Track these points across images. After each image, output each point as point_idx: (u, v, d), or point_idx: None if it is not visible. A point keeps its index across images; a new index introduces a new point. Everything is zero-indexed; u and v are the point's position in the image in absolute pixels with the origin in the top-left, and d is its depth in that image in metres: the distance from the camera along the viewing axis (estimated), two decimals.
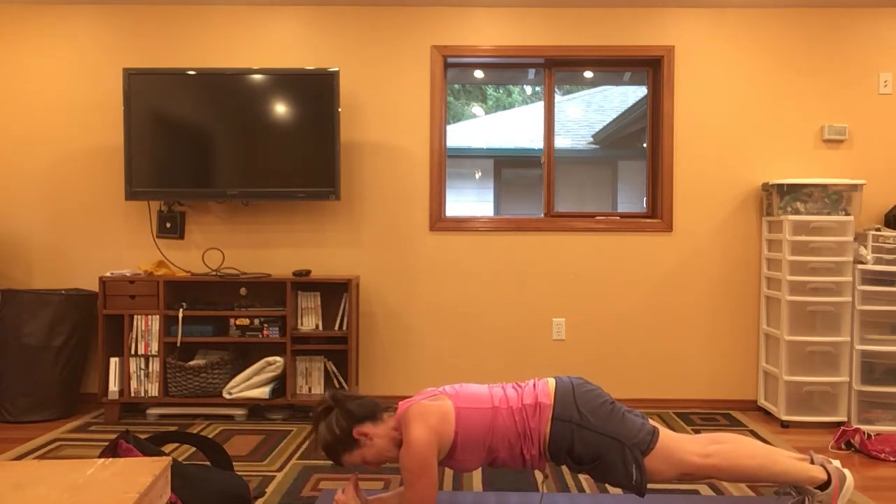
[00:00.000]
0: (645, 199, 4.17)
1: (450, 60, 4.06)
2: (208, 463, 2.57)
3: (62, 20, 3.99)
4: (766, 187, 3.84)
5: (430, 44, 3.98)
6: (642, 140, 4.47)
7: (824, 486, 2.15)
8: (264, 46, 3.98)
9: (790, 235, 3.61)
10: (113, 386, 3.66)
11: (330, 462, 2.70)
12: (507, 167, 6.63)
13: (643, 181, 4.19)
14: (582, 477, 2.86)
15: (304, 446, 3.24)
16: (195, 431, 3.41)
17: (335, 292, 3.88)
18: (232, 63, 3.98)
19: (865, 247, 3.58)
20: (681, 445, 2.16)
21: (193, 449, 3.13)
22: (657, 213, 4.06)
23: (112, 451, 2.22)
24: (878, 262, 3.55)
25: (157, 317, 3.67)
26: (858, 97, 3.95)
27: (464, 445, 2.16)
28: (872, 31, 3.94)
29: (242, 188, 3.77)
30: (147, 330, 3.67)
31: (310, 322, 3.78)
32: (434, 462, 2.10)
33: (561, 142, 6.10)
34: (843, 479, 2.16)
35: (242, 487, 2.45)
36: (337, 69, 3.74)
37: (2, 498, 1.15)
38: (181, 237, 4.00)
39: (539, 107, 4.20)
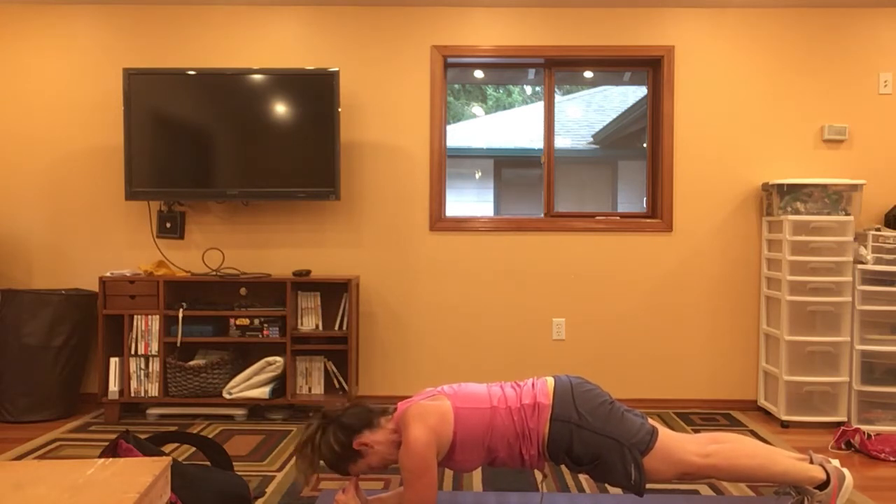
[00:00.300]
0: (645, 199, 4.17)
1: (450, 60, 4.06)
2: (208, 463, 2.57)
3: (62, 20, 4.00)
4: (766, 187, 3.84)
5: (430, 44, 3.98)
6: (642, 140, 4.47)
7: (823, 485, 2.15)
8: (264, 46, 3.99)
9: (790, 235, 3.61)
10: (113, 386, 3.66)
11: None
12: (507, 167, 6.63)
13: (643, 181, 4.19)
14: (582, 477, 2.86)
15: None
16: (195, 431, 3.41)
17: (335, 292, 3.89)
18: (232, 63, 3.98)
19: (865, 247, 3.58)
20: (680, 445, 2.16)
21: (193, 449, 3.13)
22: (657, 213, 4.06)
23: (112, 451, 2.23)
24: (878, 262, 3.55)
25: (157, 317, 3.67)
26: (858, 97, 3.95)
27: (463, 445, 2.16)
28: (872, 31, 3.94)
29: (242, 188, 3.77)
30: (147, 330, 3.67)
31: (310, 322, 3.78)
32: (433, 462, 2.10)
33: (561, 142, 6.10)
34: (841, 478, 2.16)
35: (242, 487, 2.45)
36: (337, 69, 3.74)
37: (2, 498, 1.15)
38: (181, 237, 4.00)
39: (539, 107, 4.20)
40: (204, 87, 3.75)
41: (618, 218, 4.03)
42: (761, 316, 3.94)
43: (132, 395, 3.67)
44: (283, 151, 3.76)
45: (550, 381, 2.25)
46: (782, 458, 2.18)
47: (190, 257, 4.02)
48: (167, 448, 3.09)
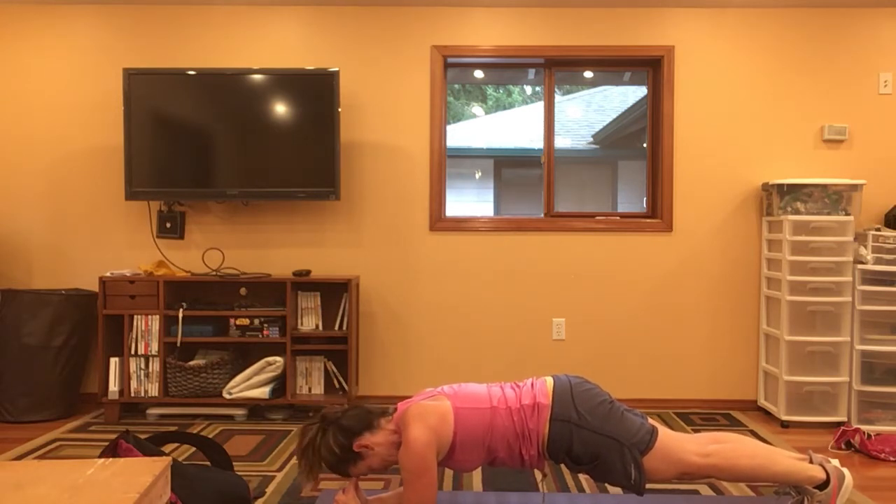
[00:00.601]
0: (645, 199, 4.17)
1: (450, 60, 4.06)
2: (208, 463, 2.57)
3: (62, 20, 4.00)
4: (766, 187, 3.84)
5: (430, 44, 3.98)
6: (642, 140, 4.47)
7: (823, 485, 2.15)
8: (264, 46, 3.99)
9: (790, 235, 3.61)
10: (113, 386, 3.66)
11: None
12: (507, 167, 6.63)
13: (643, 181, 4.19)
14: (582, 477, 2.86)
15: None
16: (195, 431, 3.41)
17: (335, 292, 3.89)
18: (232, 63, 3.98)
19: (865, 247, 3.58)
20: (680, 445, 2.16)
21: (193, 449, 3.13)
22: (657, 213, 4.06)
23: (112, 451, 2.23)
24: (878, 262, 3.55)
25: (157, 317, 3.67)
26: (858, 97, 3.95)
27: (462, 445, 2.16)
28: (872, 31, 3.94)
29: (242, 188, 3.77)
30: (147, 330, 3.67)
31: (310, 322, 3.78)
32: (433, 462, 2.10)
33: (561, 142, 6.10)
34: (841, 478, 2.17)
35: (242, 487, 2.45)
36: (337, 69, 3.74)
37: (2, 498, 1.15)
38: (181, 237, 4.00)
39: (539, 107, 4.20)
40: (204, 87, 3.75)
41: (618, 218, 4.03)
42: (761, 316, 3.94)
43: (132, 395, 3.67)
44: (283, 151, 3.76)
45: (550, 380, 2.25)
46: (782, 458, 2.18)
47: (190, 257, 4.02)
48: (167, 448, 3.09)
